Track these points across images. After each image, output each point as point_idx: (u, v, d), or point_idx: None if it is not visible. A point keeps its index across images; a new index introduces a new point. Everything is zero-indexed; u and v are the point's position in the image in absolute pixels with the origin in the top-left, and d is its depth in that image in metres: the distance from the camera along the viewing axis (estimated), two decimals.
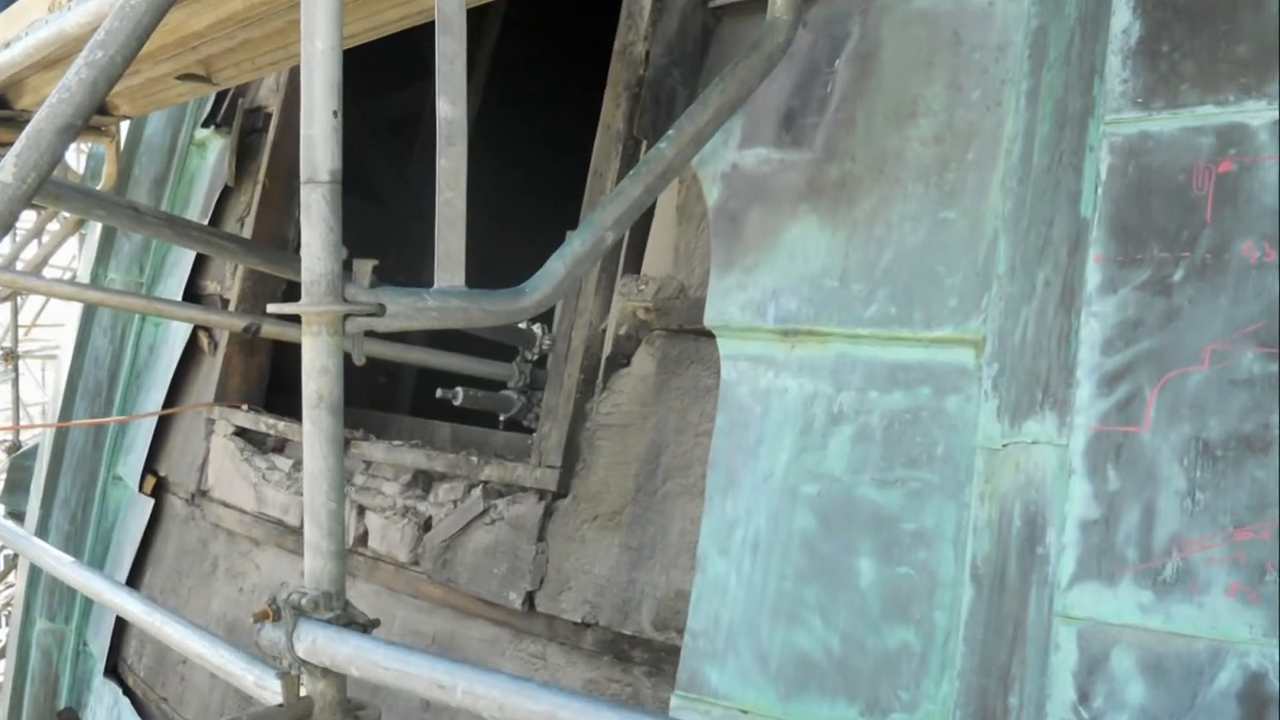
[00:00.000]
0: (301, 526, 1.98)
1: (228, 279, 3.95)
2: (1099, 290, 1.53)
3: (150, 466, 4.13)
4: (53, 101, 1.63)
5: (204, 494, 3.69)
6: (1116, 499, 1.47)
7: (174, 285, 4.22)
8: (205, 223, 4.01)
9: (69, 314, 4.56)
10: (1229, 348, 1.42)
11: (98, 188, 3.99)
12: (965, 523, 1.73)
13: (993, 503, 1.68)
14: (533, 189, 5.04)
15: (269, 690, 1.60)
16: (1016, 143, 1.77)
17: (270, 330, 3.18)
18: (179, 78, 2.66)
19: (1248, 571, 1.37)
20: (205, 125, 4.27)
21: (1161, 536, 1.44)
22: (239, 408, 3.68)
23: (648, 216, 2.32)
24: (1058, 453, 1.54)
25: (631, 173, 1.91)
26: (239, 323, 3.18)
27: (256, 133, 4.07)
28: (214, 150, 4.33)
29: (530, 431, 2.92)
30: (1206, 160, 1.47)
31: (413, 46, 2.74)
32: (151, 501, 4.04)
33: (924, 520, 1.78)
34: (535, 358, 3.24)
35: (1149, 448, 1.46)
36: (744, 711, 1.82)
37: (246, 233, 3.83)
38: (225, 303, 3.91)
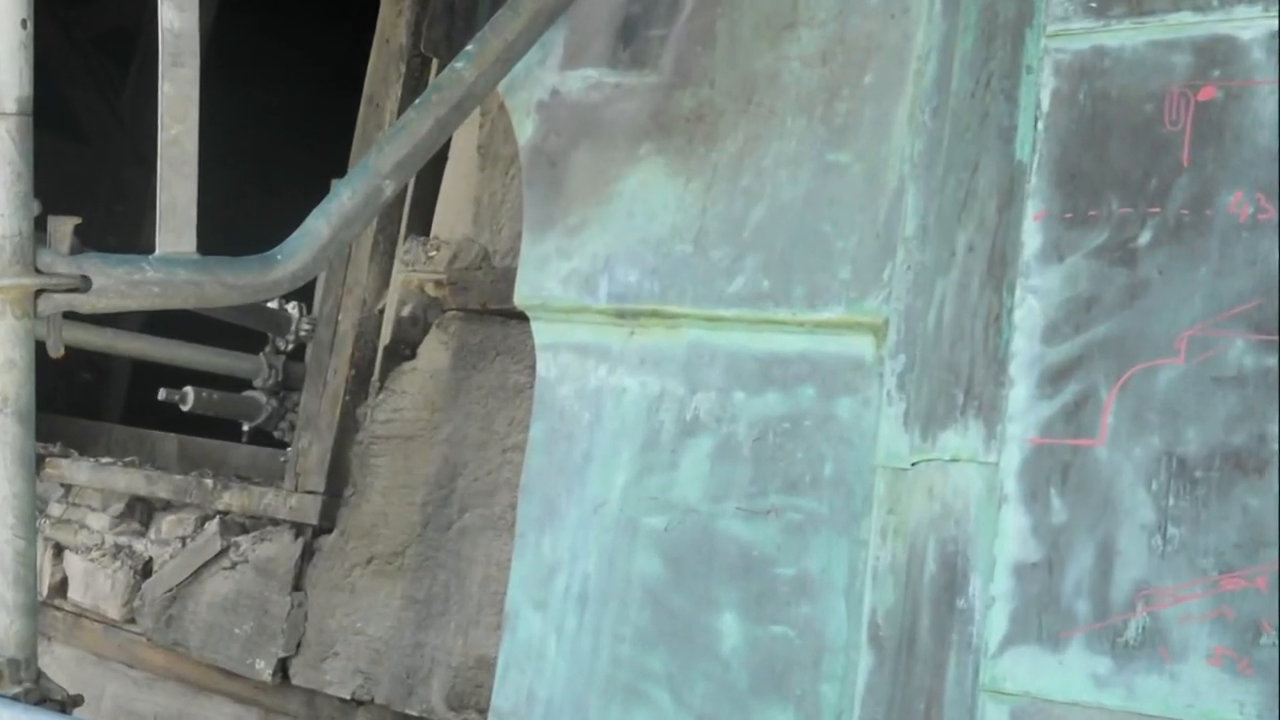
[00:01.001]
0: None
1: None
2: (1039, 258, 1.50)
3: None
4: None
5: None
6: (1063, 536, 1.44)
7: None
8: None
9: None
10: (1212, 334, 1.40)
11: None
12: (862, 567, 1.67)
13: (899, 540, 1.62)
14: (291, 124, 4.91)
15: None
16: (929, 62, 1.74)
17: None
18: None
19: (1237, 632, 1.35)
20: None
21: (1123, 585, 1.41)
22: None
23: (439, 160, 2.30)
24: (985, 473, 1.50)
25: (417, 102, 1.89)
26: None
27: None
28: None
29: (284, 445, 2.85)
30: (1182, 85, 1.45)
31: None
32: None
33: (807, 563, 1.72)
34: (290, 348, 3.10)
35: (1106, 467, 1.44)
36: None
37: None
38: None
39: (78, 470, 2.90)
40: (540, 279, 2.02)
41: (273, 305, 3.03)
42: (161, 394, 3.03)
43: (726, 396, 1.80)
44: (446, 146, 2.18)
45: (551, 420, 1.97)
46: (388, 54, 2.39)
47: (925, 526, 1.58)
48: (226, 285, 1.73)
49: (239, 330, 3.13)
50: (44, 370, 1.63)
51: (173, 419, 3.16)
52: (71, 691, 1.63)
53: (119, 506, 2.79)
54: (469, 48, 1.87)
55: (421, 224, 2.32)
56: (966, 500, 1.52)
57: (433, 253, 2.20)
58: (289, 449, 2.52)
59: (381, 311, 2.33)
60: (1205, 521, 1.38)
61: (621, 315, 1.92)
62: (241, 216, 2.76)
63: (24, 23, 1.53)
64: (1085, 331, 1.45)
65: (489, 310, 2.16)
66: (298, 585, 2.34)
